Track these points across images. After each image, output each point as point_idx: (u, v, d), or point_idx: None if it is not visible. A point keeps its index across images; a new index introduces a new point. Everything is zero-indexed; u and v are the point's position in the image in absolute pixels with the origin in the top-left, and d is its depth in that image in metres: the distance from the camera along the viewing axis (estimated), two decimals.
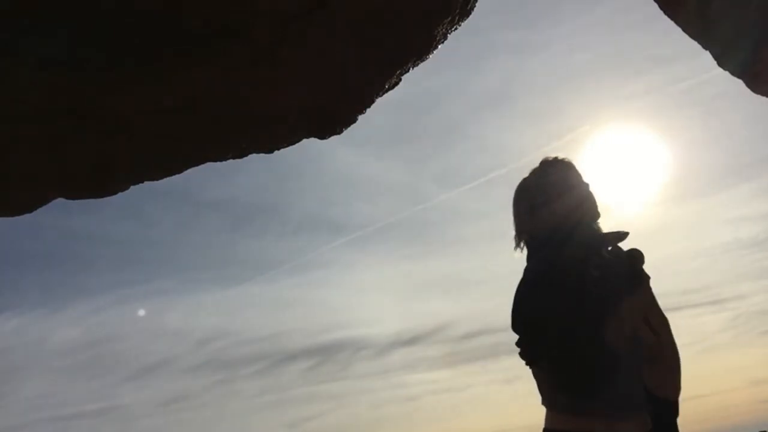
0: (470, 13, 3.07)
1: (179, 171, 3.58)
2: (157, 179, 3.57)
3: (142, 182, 3.58)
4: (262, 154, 3.60)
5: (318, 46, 2.87)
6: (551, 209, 2.12)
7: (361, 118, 3.44)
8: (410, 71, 3.26)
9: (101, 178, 3.46)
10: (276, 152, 3.62)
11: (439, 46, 3.16)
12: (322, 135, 3.50)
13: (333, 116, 3.41)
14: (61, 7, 2.30)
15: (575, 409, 1.92)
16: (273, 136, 3.47)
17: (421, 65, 3.27)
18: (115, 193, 3.60)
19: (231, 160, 3.57)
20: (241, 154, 3.56)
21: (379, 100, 3.39)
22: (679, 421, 2.09)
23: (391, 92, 3.38)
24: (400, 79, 3.28)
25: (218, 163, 3.56)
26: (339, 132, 3.49)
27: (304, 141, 3.55)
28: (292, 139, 3.53)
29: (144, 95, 2.87)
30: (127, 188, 3.62)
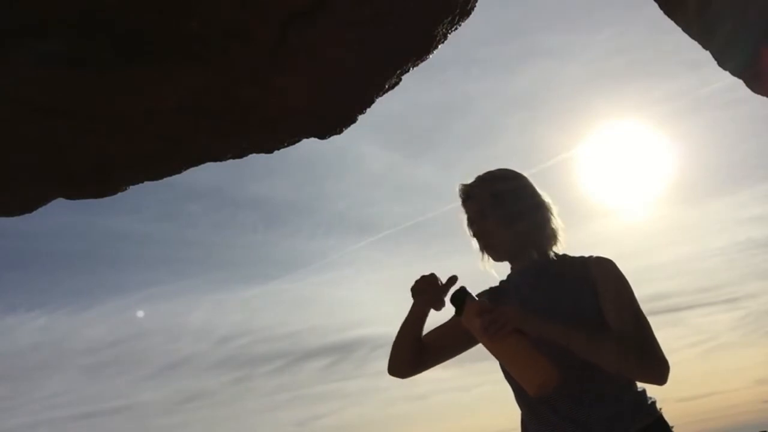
0: (470, 13, 3.08)
1: (179, 171, 3.59)
2: (157, 179, 3.58)
3: (142, 182, 3.59)
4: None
5: (318, 46, 2.87)
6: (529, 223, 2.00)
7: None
8: (411, 71, 3.27)
9: (101, 178, 3.47)
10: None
11: (440, 46, 3.17)
12: (322, 135, 3.51)
13: (333, 116, 3.41)
14: (62, 6, 2.30)
15: None
16: (273, 136, 3.48)
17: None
18: (115, 193, 3.62)
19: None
20: (241, 154, 3.57)
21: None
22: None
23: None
24: (401, 79, 3.29)
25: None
26: (339, 132, 3.50)
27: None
28: (292, 139, 3.54)
29: (144, 95, 2.87)
30: (126, 188, 3.63)
